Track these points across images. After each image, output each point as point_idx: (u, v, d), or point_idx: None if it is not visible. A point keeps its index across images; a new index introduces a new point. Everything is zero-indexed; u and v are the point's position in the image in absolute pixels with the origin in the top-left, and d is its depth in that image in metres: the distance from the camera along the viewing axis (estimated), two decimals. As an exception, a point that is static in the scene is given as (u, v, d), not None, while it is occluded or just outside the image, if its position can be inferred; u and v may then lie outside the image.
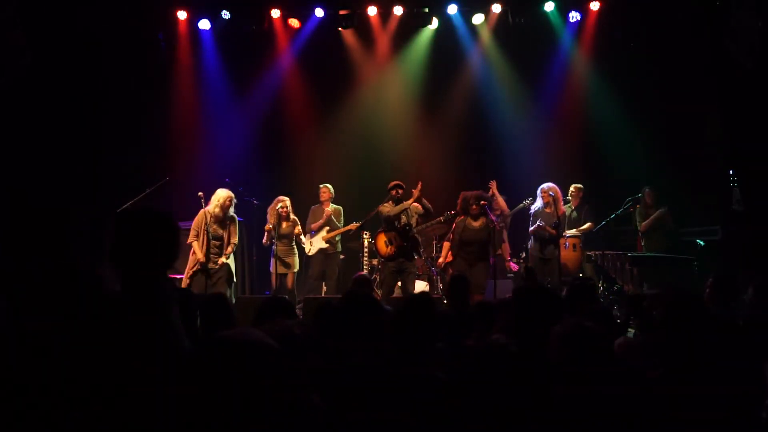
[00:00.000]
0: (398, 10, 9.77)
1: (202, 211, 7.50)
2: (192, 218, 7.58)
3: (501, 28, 9.86)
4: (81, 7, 8.61)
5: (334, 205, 8.77)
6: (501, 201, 8.73)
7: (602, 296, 8.59)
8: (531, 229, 8.31)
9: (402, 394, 2.45)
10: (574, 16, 9.60)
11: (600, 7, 9.49)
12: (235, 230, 7.63)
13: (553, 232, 7.95)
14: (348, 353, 3.15)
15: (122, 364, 1.68)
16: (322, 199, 8.73)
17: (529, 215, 8.44)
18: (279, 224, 8.24)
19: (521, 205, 8.90)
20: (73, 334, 1.74)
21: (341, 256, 9.55)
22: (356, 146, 10.07)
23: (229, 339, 1.38)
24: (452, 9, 9.81)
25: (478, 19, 9.87)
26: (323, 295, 8.47)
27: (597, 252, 8.54)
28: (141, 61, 9.42)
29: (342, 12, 9.84)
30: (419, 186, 7.80)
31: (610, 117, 9.46)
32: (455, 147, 10.02)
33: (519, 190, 9.02)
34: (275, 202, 8.30)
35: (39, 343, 1.74)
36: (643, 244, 8.72)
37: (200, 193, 7.65)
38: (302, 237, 8.57)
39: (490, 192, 8.60)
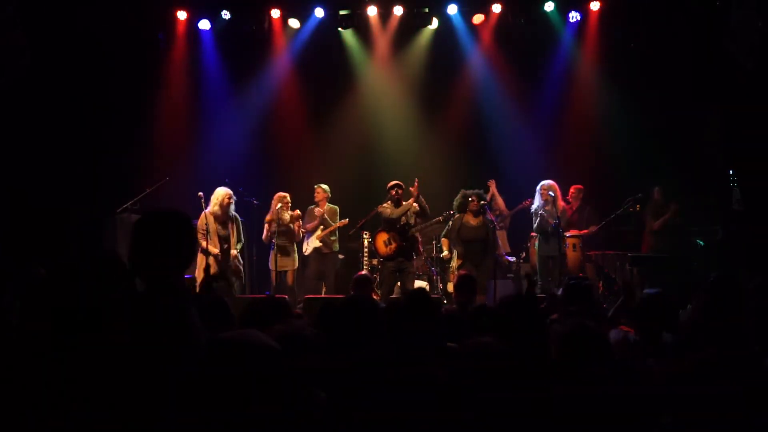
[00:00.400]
0: (398, 10, 9.76)
1: (202, 214, 7.52)
2: (192, 218, 7.59)
3: (501, 28, 9.85)
4: (81, 7, 8.61)
5: (330, 205, 8.74)
6: (500, 201, 8.75)
7: (602, 296, 8.60)
8: (534, 227, 8.30)
9: (402, 392, 2.45)
10: (574, 16, 9.60)
11: (600, 7, 9.49)
12: (239, 229, 7.66)
13: (551, 222, 7.94)
14: (350, 353, 3.16)
15: (142, 363, 1.68)
16: (316, 199, 8.70)
17: (531, 215, 8.44)
18: (280, 219, 8.21)
19: (520, 206, 8.90)
20: (97, 330, 1.73)
21: (340, 256, 9.55)
22: (356, 146, 10.07)
23: (230, 341, 1.39)
24: (452, 9, 9.80)
25: (478, 19, 9.86)
26: (323, 295, 8.46)
27: (597, 252, 8.55)
28: (141, 61, 9.41)
29: (342, 12, 9.85)
30: (417, 183, 7.81)
31: (610, 117, 9.46)
32: (455, 147, 10.02)
33: (519, 191, 9.02)
34: (276, 197, 8.27)
35: (61, 340, 1.74)
36: (653, 243, 8.67)
37: (200, 194, 7.67)
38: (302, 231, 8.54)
39: (490, 192, 8.62)
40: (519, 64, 9.97)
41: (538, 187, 8.21)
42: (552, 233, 8.02)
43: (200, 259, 7.42)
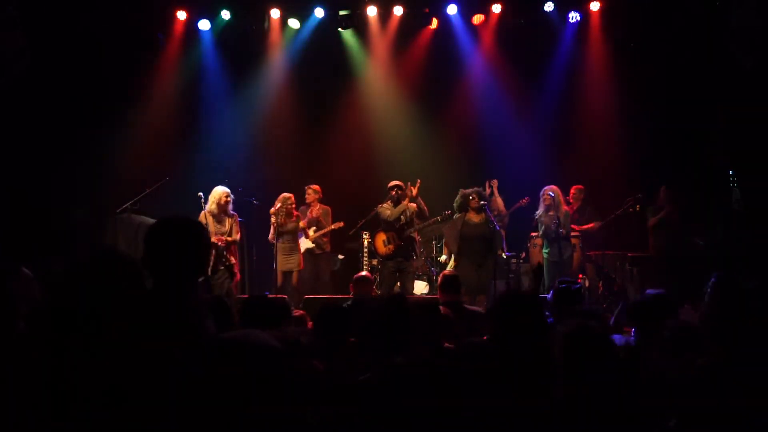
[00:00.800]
0: (398, 11, 9.76)
1: (202, 213, 7.54)
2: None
3: (501, 28, 9.85)
4: (81, 7, 8.61)
5: (322, 205, 8.71)
6: (499, 201, 8.74)
7: (602, 296, 8.61)
8: (540, 233, 8.31)
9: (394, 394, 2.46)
10: (574, 16, 9.60)
11: (600, 7, 9.49)
12: (236, 228, 7.65)
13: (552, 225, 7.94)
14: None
15: (145, 363, 1.68)
16: (308, 200, 8.62)
17: (530, 215, 8.44)
18: (285, 219, 8.19)
19: (517, 205, 8.90)
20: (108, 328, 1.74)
21: (340, 257, 9.56)
22: (355, 146, 10.07)
23: (231, 341, 1.38)
24: (452, 9, 9.80)
25: (477, 19, 9.86)
26: (320, 295, 8.44)
27: (597, 252, 8.55)
28: (141, 61, 9.42)
29: (342, 12, 9.84)
30: (418, 184, 7.82)
31: (610, 116, 9.46)
32: (454, 147, 10.02)
33: (519, 191, 9.01)
34: (279, 198, 8.25)
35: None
36: (652, 241, 8.66)
37: (200, 193, 7.68)
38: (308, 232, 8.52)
39: (488, 191, 8.61)
40: (519, 64, 9.97)
41: (540, 193, 8.20)
42: (554, 239, 8.02)
43: None
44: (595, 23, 9.63)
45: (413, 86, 10.22)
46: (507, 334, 2.53)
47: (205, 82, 10.08)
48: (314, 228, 8.61)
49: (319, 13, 9.74)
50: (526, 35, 9.77)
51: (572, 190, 8.81)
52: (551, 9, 9.57)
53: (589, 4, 9.49)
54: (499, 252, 8.11)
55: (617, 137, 9.35)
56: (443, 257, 8.43)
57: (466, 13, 9.88)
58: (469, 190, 7.74)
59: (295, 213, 8.34)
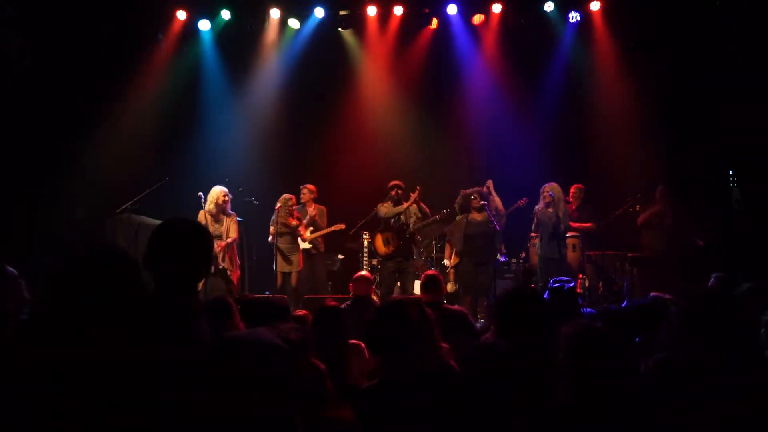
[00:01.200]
0: (398, 10, 9.76)
1: (201, 212, 7.60)
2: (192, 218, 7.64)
3: (501, 28, 9.85)
4: (81, 7, 8.61)
5: (317, 205, 8.70)
6: (497, 201, 8.75)
7: (602, 296, 8.61)
8: (533, 227, 8.32)
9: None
10: (574, 16, 9.60)
11: (600, 7, 9.49)
12: (234, 227, 7.67)
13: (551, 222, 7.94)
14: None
15: (142, 363, 1.67)
16: (303, 200, 8.60)
17: (529, 215, 8.44)
18: (287, 221, 8.19)
19: (515, 205, 8.89)
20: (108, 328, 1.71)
21: (340, 257, 9.56)
22: (355, 146, 10.06)
23: (238, 340, 1.38)
24: (452, 9, 9.80)
25: (477, 19, 9.86)
26: (320, 295, 8.44)
27: (597, 252, 8.55)
28: (141, 61, 9.42)
29: (342, 12, 9.84)
30: (418, 191, 7.85)
31: (610, 116, 9.46)
32: (454, 146, 10.02)
33: (519, 191, 9.01)
34: (281, 198, 8.24)
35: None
36: (642, 240, 8.68)
37: (200, 193, 7.71)
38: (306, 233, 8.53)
39: (485, 191, 8.62)
40: (519, 64, 9.97)
41: (540, 190, 8.21)
42: (552, 235, 8.01)
43: None
44: (594, 23, 9.63)
45: (413, 86, 10.22)
46: (512, 333, 2.52)
47: (204, 81, 10.08)
48: (311, 228, 8.60)
49: (319, 13, 9.74)
50: (526, 35, 9.77)
51: (572, 190, 8.82)
52: (551, 9, 9.58)
53: (589, 4, 9.49)
54: (499, 250, 8.15)
55: (617, 136, 9.34)
56: (446, 261, 8.42)
57: (466, 13, 9.88)
58: (470, 190, 7.81)
59: (296, 214, 8.35)
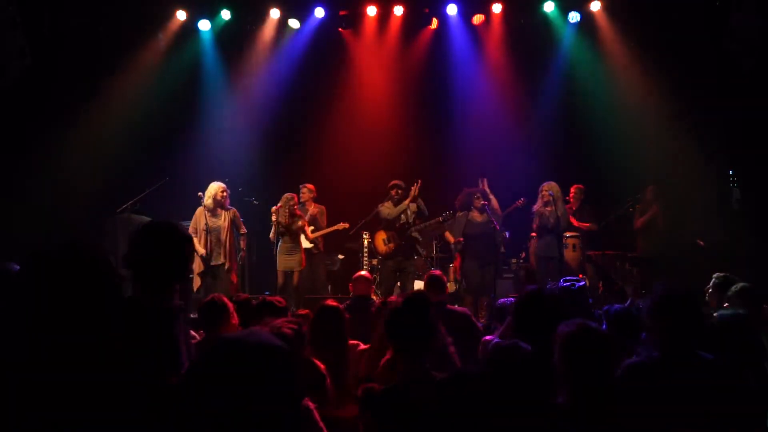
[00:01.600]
0: (398, 11, 9.76)
1: (199, 209, 7.68)
2: (191, 218, 7.71)
3: (501, 28, 9.85)
4: (81, 6, 8.61)
5: (317, 205, 8.69)
6: (494, 200, 8.75)
7: (602, 296, 8.59)
8: (534, 227, 8.31)
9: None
10: (574, 16, 9.60)
11: (600, 7, 9.49)
12: (238, 222, 7.78)
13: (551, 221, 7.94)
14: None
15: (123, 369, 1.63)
16: (303, 199, 8.59)
17: (529, 215, 8.44)
18: (288, 219, 8.18)
19: (513, 206, 8.89)
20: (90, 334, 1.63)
21: (340, 257, 9.55)
22: (355, 146, 10.06)
23: (237, 340, 1.38)
24: (452, 9, 9.80)
25: (478, 19, 9.86)
26: (320, 295, 8.44)
27: (597, 252, 8.54)
28: (141, 61, 9.42)
29: (342, 12, 9.84)
30: (419, 184, 7.83)
31: (610, 117, 9.45)
32: (454, 146, 10.01)
33: (519, 191, 9.00)
34: (283, 198, 8.24)
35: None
36: (641, 243, 8.69)
37: (200, 193, 7.74)
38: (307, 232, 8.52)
39: (487, 190, 8.62)
40: (519, 64, 9.96)
41: (539, 189, 8.21)
42: (551, 234, 8.00)
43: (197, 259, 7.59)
44: (594, 23, 9.62)
45: (413, 86, 10.23)
46: (532, 333, 2.51)
47: (205, 81, 10.08)
48: (312, 228, 8.59)
49: (319, 13, 9.74)
50: (526, 35, 9.77)
51: (572, 190, 8.81)
52: (551, 9, 9.58)
53: (589, 4, 9.49)
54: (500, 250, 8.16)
55: (617, 136, 9.33)
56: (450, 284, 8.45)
57: (466, 13, 9.88)
58: (473, 189, 7.83)
59: (298, 213, 8.34)
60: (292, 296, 7.91)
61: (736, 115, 8.23)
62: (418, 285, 9.01)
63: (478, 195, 7.84)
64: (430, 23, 9.99)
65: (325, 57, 10.17)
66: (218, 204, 7.65)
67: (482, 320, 6.88)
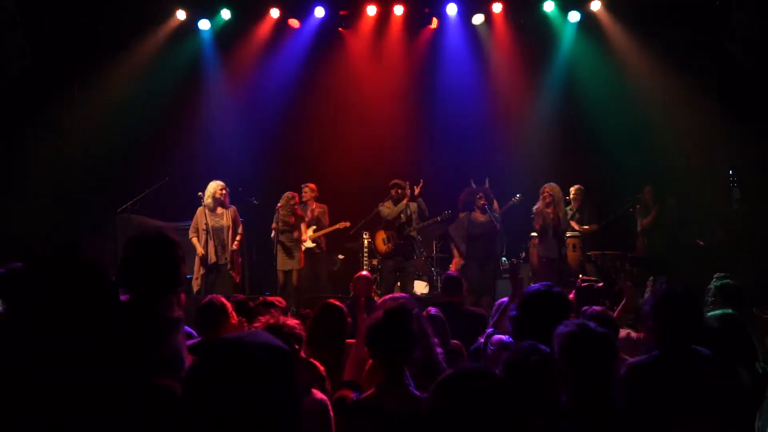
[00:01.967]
0: (398, 10, 9.76)
1: (200, 208, 7.71)
2: (191, 218, 7.72)
3: (501, 28, 9.84)
4: (81, 6, 8.61)
5: (319, 204, 8.68)
6: (494, 201, 8.74)
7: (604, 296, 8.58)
8: (535, 226, 8.31)
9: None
10: (574, 16, 9.59)
11: (600, 7, 9.48)
12: (237, 220, 7.75)
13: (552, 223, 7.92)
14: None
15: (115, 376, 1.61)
16: (304, 198, 8.58)
17: (531, 217, 8.43)
18: (289, 219, 8.18)
19: (510, 203, 8.87)
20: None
21: (340, 257, 9.55)
22: (355, 145, 10.05)
23: (237, 341, 1.37)
24: (452, 9, 9.79)
25: (477, 19, 9.86)
26: (321, 294, 8.43)
27: (597, 252, 8.53)
28: (140, 61, 9.41)
29: (342, 12, 9.84)
30: (421, 184, 7.84)
31: (610, 116, 9.44)
32: (454, 146, 10.00)
33: (518, 191, 8.98)
34: (284, 197, 8.23)
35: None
36: (645, 242, 8.68)
37: (200, 193, 7.74)
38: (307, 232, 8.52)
39: (489, 189, 8.61)
40: (519, 64, 9.96)
41: (540, 190, 8.20)
42: (552, 235, 8.00)
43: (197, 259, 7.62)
44: (594, 23, 9.62)
45: (413, 85, 10.22)
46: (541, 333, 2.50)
47: (205, 81, 10.07)
48: (314, 227, 8.58)
49: (319, 12, 9.73)
50: (525, 35, 9.77)
51: (572, 190, 8.79)
52: (551, 9, 9.57)
53: (589, 4, 9.49)
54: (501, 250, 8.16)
55: (617, 136, 9.32)
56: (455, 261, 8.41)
57: (466, 13, 9.87)
58: (476, 189, 7.82)
59: (300, 212, 8.34)
60: (293, 296, 7.90)
61: (737, 114, 8.22)
62: (418, 285, 9.03)
63: (481, 195, 7.82)
64: (430, 23, 9.99)
65: (325, 57, 10.16)
66: (218, 202, 7.67)
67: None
